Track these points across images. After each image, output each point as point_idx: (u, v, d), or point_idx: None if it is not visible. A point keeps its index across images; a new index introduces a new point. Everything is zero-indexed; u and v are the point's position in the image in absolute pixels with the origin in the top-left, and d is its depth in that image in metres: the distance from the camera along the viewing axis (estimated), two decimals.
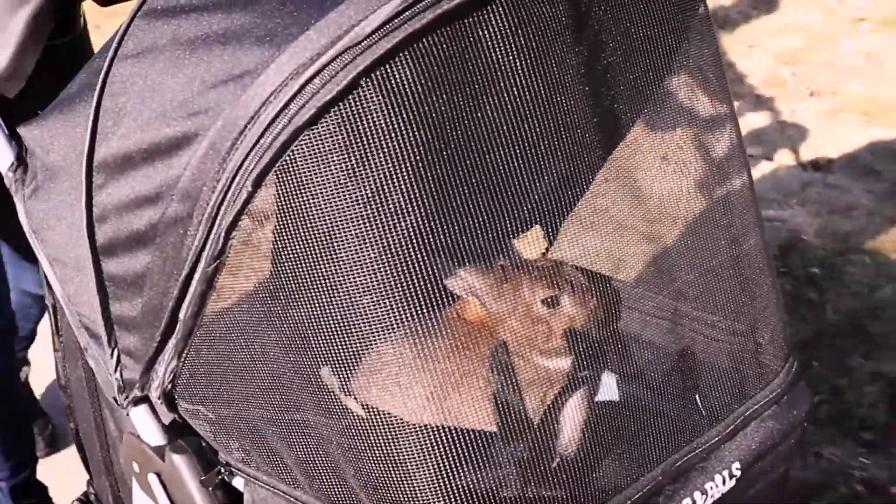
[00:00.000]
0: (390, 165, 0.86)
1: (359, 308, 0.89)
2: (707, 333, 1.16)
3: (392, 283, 0.88)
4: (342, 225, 0.87)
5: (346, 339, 0.92)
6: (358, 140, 0.85)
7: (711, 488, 1.05)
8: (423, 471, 0.92)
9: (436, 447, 0.92)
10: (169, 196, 0.96)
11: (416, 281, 0.89)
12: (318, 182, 0.86)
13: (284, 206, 0.90)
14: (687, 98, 1.12)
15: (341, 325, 0.91)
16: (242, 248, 0.95)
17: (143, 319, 1.05)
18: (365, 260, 0.87)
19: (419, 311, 0.90)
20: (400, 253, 0.87)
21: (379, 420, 0.96)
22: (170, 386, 1.07)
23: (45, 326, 2.03)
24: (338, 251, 0.88)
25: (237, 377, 1.04)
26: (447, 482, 0.92)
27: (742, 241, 1.15)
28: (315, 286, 0.91)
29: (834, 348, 2.30)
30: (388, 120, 0.85)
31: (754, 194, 1.16)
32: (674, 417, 1.07)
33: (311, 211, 0.88)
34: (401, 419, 0.96)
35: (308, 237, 0.89)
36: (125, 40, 1.04)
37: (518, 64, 0.90)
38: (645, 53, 1.03)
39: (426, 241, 0.88)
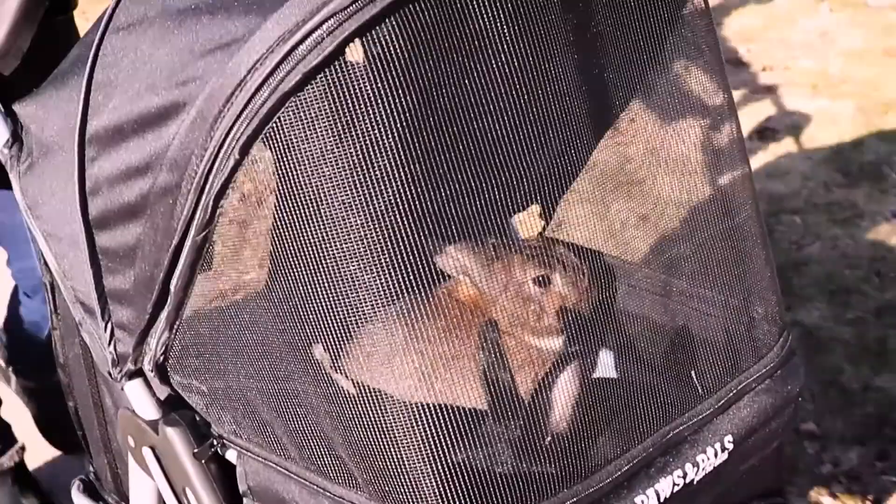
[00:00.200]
0: (376, 131, 0.86)
1: (346, 276, 0.89)
2: (700, 307, 1.15)
3: (379, 250, 0.88)
4: (329, 191, 0.87)
5: (335, 308, 0.91)
6: (344, 106, 0.85)
7: (703, 461, 1.05)
8: (414, 447, 0.92)
9: (427, 424, 0.92)
10: (158, 166, 0.96)
11: (403, 249, 0.89)
12: (304, 148, 0.86)
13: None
14: (680, 71, 1.11)
15: (330, 293, 0.91)
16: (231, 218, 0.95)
17: (136, 292, 1.05)
18: (352, 227, 0.87)
19: (408, 281, 0.90)
20: (387, 220, 0.87)
21: (370, 397, 0.96)
22: (162, 358, 1.07)
23: None
24: (325, 218, 0.88)
25: (228, 348, 1.04)
26: (438, 458, 0.92)
27: (736, 213, 1.14)
28: (303, 254, 0.91)
29: None
30: (374, 86, 0.85)
31: (749, 167, 1.15)
32: (665, 391, 1.07)
33: (298, 177, 0.88)
34: (392, 397, 0.96)
35: (295, 204, 0.89)
36: (116, 14, 1.04)
37: (506, 30, 0.89)
38: (637, 23, 1.03)
39: (413, 208, 0.87)
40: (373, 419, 0.94)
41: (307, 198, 0.88)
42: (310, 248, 0.90)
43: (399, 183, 0.87)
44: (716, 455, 1.06)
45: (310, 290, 0.92)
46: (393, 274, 0.89)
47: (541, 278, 1.11)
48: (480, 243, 1.10)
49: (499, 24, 0.89)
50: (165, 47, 0.96)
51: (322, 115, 0.85)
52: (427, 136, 0.88)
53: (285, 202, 0.91)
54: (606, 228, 1.13)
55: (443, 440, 0.92)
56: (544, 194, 1.04)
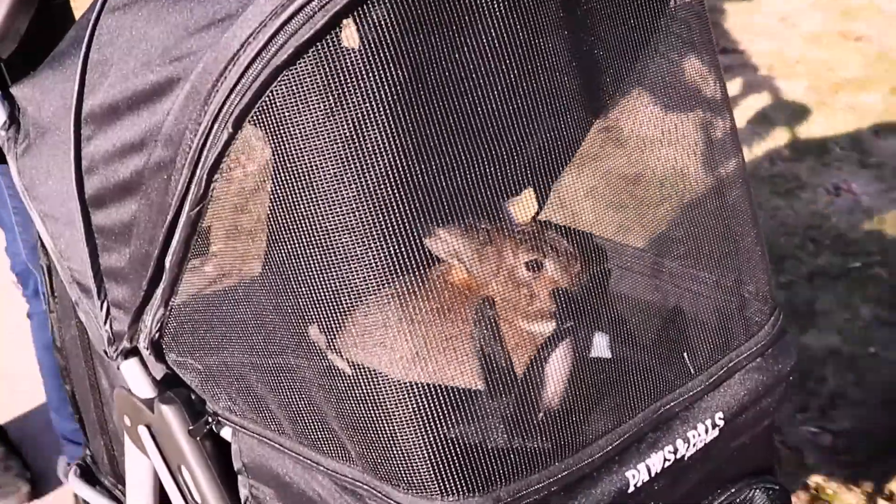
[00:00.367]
0: (367, 105, 0.86)
1: (339, 248, 0.89)
2: (692, 287, 1.16)
3: (371, 223, 0.89)
4: (321, 164, 0.88)
5: (329, 282, 0.92)
6: (336, 79, 0.86)
7: (694, 436, 1.05)
8: (406, 421, 0.92)
9: (419, 401, 0.93)
10: (153, 142, 0.97)
11: (395, 222, 0.89)
12: (296, 121, 0.87)
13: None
14: (672, 52, 1.12)
15: (323, 266, 0.91)
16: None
17: (131, 269, 1.06)
18: (344, 199, 0.88)
19: (401, 255, 0.91)
20: (378, 193, 0.88)
21: (365, 377, 0.97)
22: (157, 335, 1.08)
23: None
24: (317, 190, 0.88)
25: (223, 324, 1.05)
26: (430, 432, 0.92)
27: (726, 193, 1.15)
28: (296, 227, 0.91)
29: None
30: (365, 60, 0.86)
31: (739, 146, 1.16)
32: (656, 368, 1.07)
33: (291, 151, 0.88)
34: (387, 376, 0.97)
35: (288, 177, 0.90)
36: None
37: (497, 4, 0.90)
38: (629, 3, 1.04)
39: (405, 181, 0.88)
40: (366, 394, 0.95)
41: (300, 171, 0.89)
42: (303, 221, 0.91)
43: (390, 156, 0.87)
44: (706, 431, 1.07)
45: (303, 264, 0.93)
46: (385, 247, 0.90)
47: (532, 263, 1.12)
48: (472, 227, 1.11)
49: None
50: (160, 25, 0.97)
51: (314, 88, 0.86)
52: (417, 111, 0.88)
53: (279, 176, 0.91)
54: (599, 210, 1.14)
55: (435, 416, 0.93)
56: (538, 176, 1.05)
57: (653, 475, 1.02)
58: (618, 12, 1.02)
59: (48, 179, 1.16)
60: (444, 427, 0.93)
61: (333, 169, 0.88)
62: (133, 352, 1.14)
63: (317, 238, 0.90)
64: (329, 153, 0.87)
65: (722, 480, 1.14)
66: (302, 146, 0.88)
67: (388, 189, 0.88)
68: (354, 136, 0.87)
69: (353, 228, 0.88)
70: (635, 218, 1.17)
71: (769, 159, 3.21)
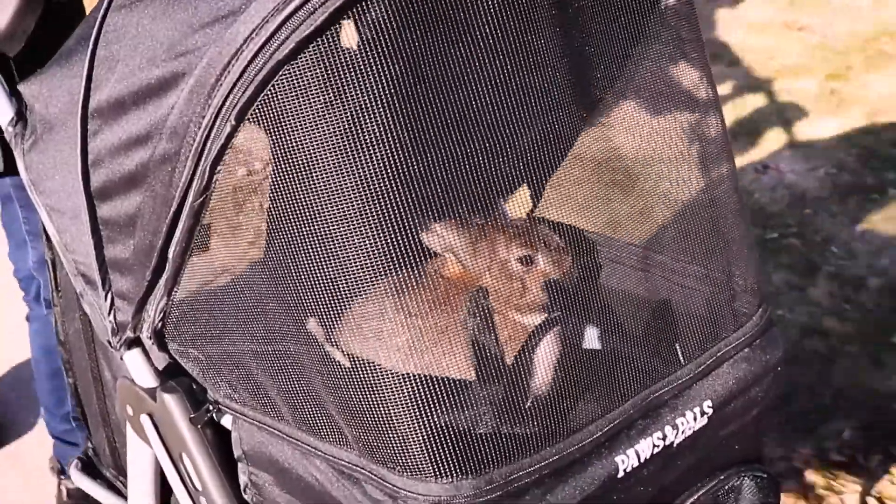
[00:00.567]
0: (366, 99, 0.89)
1: (337, 237, 0.92)
2: (682, 279, 1.19)
3: (367, 214, 0.92)
4: (320, 155, 0.91)
5: (327, 270, 0.95)
6: (335, 73, 0.89)
7: (682, 423, 1.08)
8: (402, 408, 0.95)
9: (415, 389, 0.95)
10: (158, 135, 1.00)
11: (392, 213, 0.92)
12: (297, 114, 0.90)
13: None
14: (662, 49, 1.15)
15: (321, 254, 0.94)
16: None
17: (135, 260, 1.09)
18: (342, 190, 0.91)
19: (398, 244, 0.93)
20: (376, 183, 0.91)
21: (362, 368, 1.00)
22: (160, 325, 1.11)
23: None
24: (315, 181, 0.91)
25: (223, 312, 1.08)
26: (424, 418, 0.95)
27: (716, 188, 1.18)
28: (295, 217, 0.94)
29: None
30: (363, 55, 0.89)
31: (728, 142, 1.19)
32: (646, 357, 1.10)
33: (291, 143, 0.91)
34: (383, 367, 1.00)
35: (288, 169, 0.93)
36: None
37: (491, 2, 0.93)
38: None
39: (401, 172, 0.91)
40: (363, 381, 0.98)
41: (300, 163, 0.92)
42: (302, 213, 0.94)
43: (387, 148, 0.90)
44: (695, 419, 1.09)
45: (302, 255, 0.95)
46: (382, 238, 0.93)
47: (525, 258, 1.15)
48: (466, 222, 1.14)
49: None
50: (165, 22, 1.00)
51: (314, 82, 0.89)
52: (413, 105, 0.92)
53: (279, 168, 0.94)
54: (590, 206, 1.18)
55: (429, 402, 0.95)
56: (532, 172, 1.08)
57: (642, 461, 1.05)
58: (608, 10, 1.05)
59: (55, 174, 1.19)
60: (439, 413, 0.96)
61: (332, 161, 0.91)
62: (136, 342, 1.17)
63: (315, 229, 0.93)
64: (328, 145, 0.90)
65: (711, 468, 1.16)
66: (302, 138, 0.91)
67: (385, 181, 0.91)
68: (352, 129, 0.90)
69: (351, 219, 0.91)
70: (626, 213, 1.20)
71: None
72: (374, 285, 0.97)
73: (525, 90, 1.01)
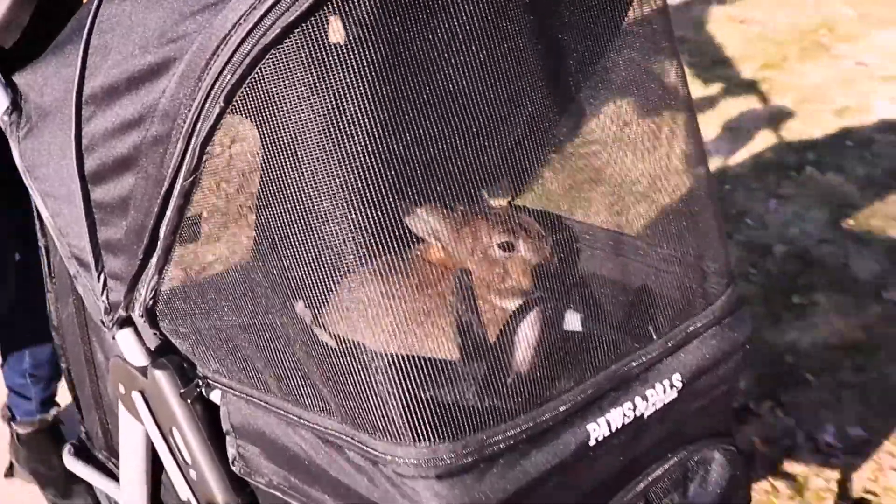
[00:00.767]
0: (348, 81, 0.94)
1: (321, 213, 0.97)
2: (654, 261, 1.24)
3: (351, 192, 0.96)
4: (304, 135, 0.95)
5: (311, 248, 0.99)
6: (319, 57, 0.94)
7: (652, 395, 1.13)
8: (384, 380, 0.99)
9: (397, 366, 1.00)
10: (150, 118, 1.04)
11: (374, 193, 0.97)
12: (282, 96, 0.95)
13: (254, 122, 0.99)
14: (634, 39, 1.20)
15: (306, 231, 0.99)
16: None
17: (128, 240, 1.13)
18: (325, 168, 0.96)
19: (379, 223, 0.98)
20: (357, 162, 0.95)
21: (348, 348, 1.04)
22: (151, 303, 1.15)
23: None
24: (300, 160, 0.96)
25: (212, 288, 1.13)
26: (406, 390, 0.99)
27: (688, 175, 1.23)
28: (281, 195, 0.99)
29: None
30: (346, 39, 0.94)
31: (698, 129, 1.24)
32: (618, 333, 1.15)
33: (277, 123, 0.96)
34: (369, 348, 1.04)
35: (274, 148, 0.98)
36: None
37: None
38: None
39: (382, 150, 0.96)
40: (347, 358, 1.02)
41: (285, 142, 0.97)
42: (288, 192, 0.98)
43: (368, 129, 0.95)
44: (665, 392, 1.14)
45: (289, 233, 1.00)
46: (366, 218, 0.97)
47: (506, 244, 1.20)
48: (449, 208, 1.19)
49: None
50: (157, 11, 1.05)
51: (299, 65, 0.94)
52: (393, 88, 0.97)
53: (267, 149, 0.99)
54: (568, 193, 1.23)
55: (410, 375, 1.00)
56: (512, 162, 1.13)
57: (613, 430, 1.09)
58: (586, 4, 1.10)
59: (49, 160, 1.23)
60: (419, 386, 1.00)
61: (316, 140, 0.95)
62: (128, 322, 1.21)
63: (301, 207, 0.98)
64: (312, 126, 0.95)
65: (681, 440, 1.21)
66: (287, 119, 0.96)
67: (367, 161, 0.95)
68: (335, 111, 0.95)
69: (334, 198, 0.96)
70: (602, 200, 1.25)
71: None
72: (359, 267, 1.01)
73: (502, 79, 1.06)
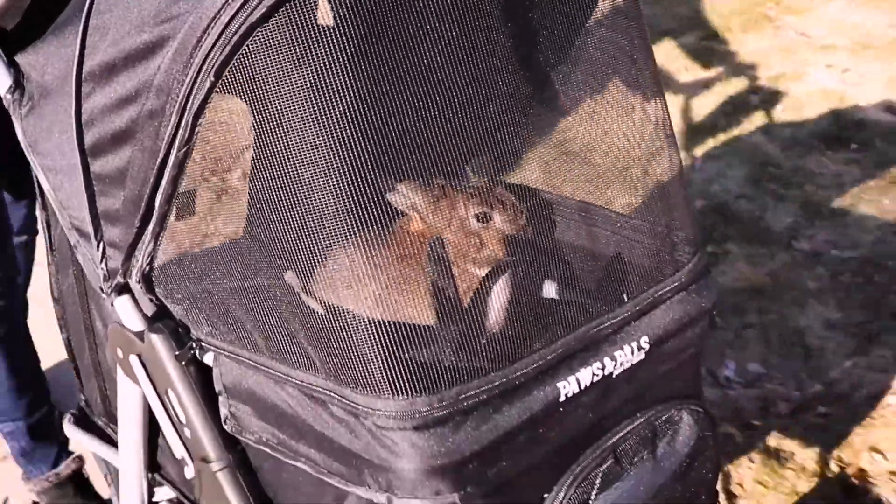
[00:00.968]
0: (329, 57, 1.01)
1: (305, 181, 1.04)
2: (626, 233, 1.31)
3: (334, 163, 1.03)
4: (289, 108, 1.02)
5: (295, 211, 1.06)
6: (302, 34, 1.00)
7: (621, 356, 1.19)
8: (364, 338, 1.06)
9: (381, 331, 1.06)
10: (146, 93, 1.11)
11: (356, 165, 1.04)
12: (268, 71, 1.02)
13: (242, 96, 1.05)
14: (604, 20, 1.27)
15: (290, 200, 1.05)
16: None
17: (125, 210, 1.20)
18: (309, 138, 1.02)
19: (363, 198, 1.04)
20: (339, 132, 1.02)
21: (335, 313, 1.11)
22: (147, 269, 1.22)
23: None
24: (285, 130, 1.03)
25: (204, 254, 1.19)
26: (385, 347, 1.06)
27: (657, 148, 1.30)
28: (267, 165, 1.06)
29: None
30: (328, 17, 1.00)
31: (666, 106, 1.31)
32: (589, 296, 1.22)
33: (264, 97, 1.03)
34: (353, 313, 1.11)
35: (261, 122, 1.04)
36: None
37: None
38: None
39: (362, 122, 1.03)
40: (332, 321, 1.09)
41: (272, 115, 1.03)
42: (273, 160, 1.05)
43: (348, 102, 1.02)
44: (633, 353, 1.21)
45: (275, 198, 1.07)
46: (348, 189, 1.04)
47: (482, 215, 1.27)
48: (429, 183, 1.26)
49: None
50: None
51: (283, 42, 1.00)
52: (373, 60, 1.03)
53: (255, 120, 1.06)
54: (543, 168, 1.29)
55: (389, 334, 1.06)
56: (490, 138, 1.19)
57: (582, 388, 1.16)
58: None
59: (51, 135, 1.30)
60: (398, 345, 1.07)
61: (300, 112, 1.02)
62: (126, 288, 1.28)
63: (287, 177, 1.05)
64: (296, 98, 1.02)
65: (650, 400, 1.28)
66: (273, 93, 1.02)
67: (348, 128, 1.02)
68: (317, 85, 1.01)
69: (317, 162, 1.03)
70: (576, 174, 1.32)
71: None
72: (342, 236, 1.08)
73: (476, 58, 1.12)
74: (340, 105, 1.01)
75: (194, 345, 1.25)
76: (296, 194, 1.05)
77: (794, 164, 3.45)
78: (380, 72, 1.04)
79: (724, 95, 3.98)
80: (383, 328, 1.06)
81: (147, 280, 1.23)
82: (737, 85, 4.06)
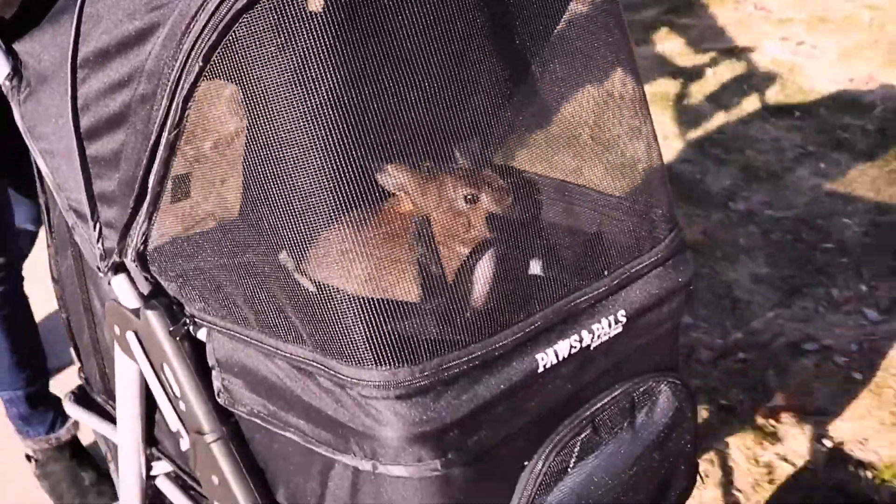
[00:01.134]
0: (312, 40, 1.05)
1: (289, 159, 1.08)
2: (605, 211, 1.35)
3: (317, 140, 1.07)
4: (274, 91, 1.06)
5: (282, 190, 1.10)
6: (286, 20, 1.04)
7: (598, 329, 1.24)
8: (349, 313, 1.10)
9: (365, 304, 1.11)
10: (138, 78, 1.15)
11: (341, 146, 1.08)
12: (254, 55, 1.06)
13: (231, 80, 1.10)
14: (584, 9, 1.31)
15: (278, 179, 1.10)
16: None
17: (120, 191, 1.24)
18: (293, 119, 1.06)
19: (351, 179, 1.09)
20: (322, 112, 1.06)
21: (324, 290, 1.15)
22: (142, 247, 1.26)
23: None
24: (271, 113, 1.07)
25: (197, 233, 1.24)
26: (369, 317, 1.10)
27: (635, 128, 1.34)
28: (258, 146, 1.10)
29: None
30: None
31: (643, 88, 1.35)
32: (567, 271, 1.26)
33: (251, 81, 1.07)
34: (343, 290, 1.15)
35: (249, 105, 1.09)
36: None
37: None
38: None
39: (345, 104, 1.07)
40: (318, 296, 1.13)
41: (258, 99, 1.08)
42: (260, 139, 1.10)
43: (331, 83, 1.06)
44: (610, 326, 1.25)
45: (263, 177, 1.11)
46: (331, 162, 1.08)
47: (469, 196, 1.31)
48: (418, 165, 1.30)
49: None
50: None
51: (268, 27, 1.05)
52: (355, 44, 1.07)
53: (244, 103, 1.10)
54: (528, 150, 1.34)
55: (374, 311, 1.11)
56: (477, 122, 1.24)
57: (560, 359, 1.20)
58: None
59: (48, 120, 1.34)
60: (383, 319, 1.11)
61: (284, 94, 1.06)
62: (121, 267, 1.33)
63: (274, 157, 1.09)
64: (281, 81, 1.06)
65: (628, 373, 1.32)
66: (259, 76, 1.07)
67: (331, 109, 1.06)
68: (301, 66, 1.06)
69: (302, 143, 1.07)
70: (558, 154, 1.36)
71: None
72: (328, 216, 1.12)
73: (457, 44, 1.16)
74: (324, 86, 1.06)
75: (188, 321, 1.30)
76: (283, 175, 1.10)
77: (737, 131, 3.61)
78: (363, 55, 1.08)
79: (677, 67, 4.16)
80: (368, 303, 1.10)
81: (142, 258, 1.28)
82: (692, 58, 4.23)
